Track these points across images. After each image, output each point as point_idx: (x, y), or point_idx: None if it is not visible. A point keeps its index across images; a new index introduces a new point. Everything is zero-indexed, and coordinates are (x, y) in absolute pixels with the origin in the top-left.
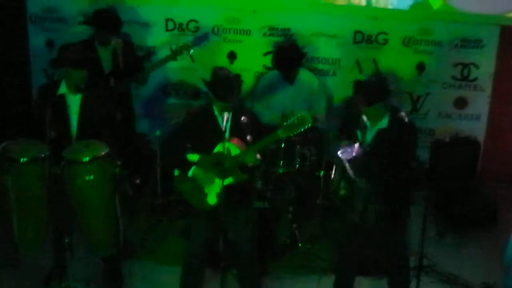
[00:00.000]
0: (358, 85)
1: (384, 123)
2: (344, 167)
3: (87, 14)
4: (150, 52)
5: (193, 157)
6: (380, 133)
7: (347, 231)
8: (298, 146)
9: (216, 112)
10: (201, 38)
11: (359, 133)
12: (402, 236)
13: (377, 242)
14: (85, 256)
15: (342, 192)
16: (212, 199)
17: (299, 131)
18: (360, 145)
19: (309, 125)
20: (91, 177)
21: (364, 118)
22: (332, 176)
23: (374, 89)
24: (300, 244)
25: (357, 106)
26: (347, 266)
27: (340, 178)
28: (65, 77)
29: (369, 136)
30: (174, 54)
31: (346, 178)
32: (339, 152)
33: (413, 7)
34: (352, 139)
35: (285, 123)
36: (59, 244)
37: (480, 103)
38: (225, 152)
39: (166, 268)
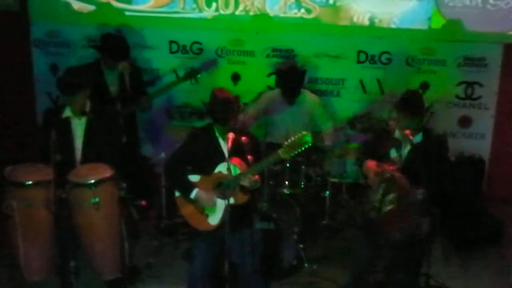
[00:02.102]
0: (400, 102)
1: (418, 138)
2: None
3: (92, 38)
4: (155, 76)
5: (194, 178)
6: (415, 147)
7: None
8: (303, 166)
9: (217, 133)
10: (209, 64)
11: (393, 151)
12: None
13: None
14: (91, 280)
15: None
16: (213, 221)
17: (300, 150)
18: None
19: (310, 144)
20: (96, 200)
21: (398, 135)
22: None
23: (415, 103)
24: (306, 265)
25: (386, 127)
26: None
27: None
28: (66, 102)
29: (405, 152)
30: (182, 79)
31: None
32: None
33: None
34: (381, 159)
35: (285, 143)
36: (65, 268)
37: (485, 122)
38: (227, 173)
39: None
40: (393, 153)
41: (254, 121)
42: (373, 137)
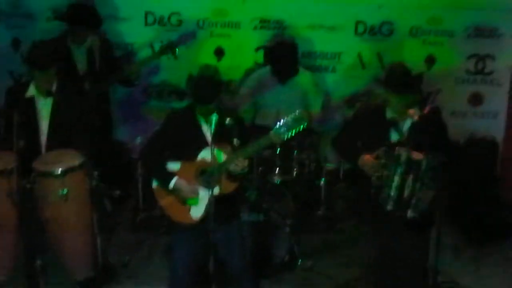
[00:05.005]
0: (387, 76)
1: (414, 114)
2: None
3: (58, 9)
4: (129, 51)
5: (174, 166)
6: (415, 124)
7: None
8: (295, 151)
9: (198, 115)
10: (187, 36)
11: (393, 133)
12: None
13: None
14: (60, 280)
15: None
16: (196, 213)
17: (294, 133)
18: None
19: (305, 124)
20: (65, 191)
21: (390, 114)
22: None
23: (402, 79)
24: (300, 261)
25: (373, 108)
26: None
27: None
28: (33, 79)
29: (405, 130)
30: (158, 54)
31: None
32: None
33: None
34: (381, 143)
35: (278, 124)
36: (31, 267)
37: (498, 99)
38: (211, 159)
39: None
40: (394, 135)
41: (244, 102)
42: (361, 121)
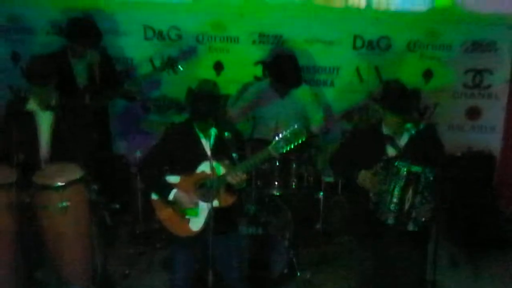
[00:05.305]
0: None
1: (411, 129)
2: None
3: (57, 24)
4: (129, 66)
5: (173, 179)
6: (413, 138)
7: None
8: (294, 165)
9: (197, 130)
10: (188, 53)
11: (389, 148)
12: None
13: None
14: None
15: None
16: (195, 225)
17: (292, 146)
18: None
19: (304, 138)
20: (65, 204)
21: (386, 131)
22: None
23: (400, 95)
24: (298, 274)
25: (369, 127)
26: None
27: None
28: (32, 94)
29: (402, 144)
30: (158, 71)
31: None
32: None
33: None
34: (378, 159)
35: (276, 138)
36: (30, 280)
37: (495, 113)
38: (210, 173)
39: None
40: (390, 150)
41: (243, 116)
42: (358, 141)
